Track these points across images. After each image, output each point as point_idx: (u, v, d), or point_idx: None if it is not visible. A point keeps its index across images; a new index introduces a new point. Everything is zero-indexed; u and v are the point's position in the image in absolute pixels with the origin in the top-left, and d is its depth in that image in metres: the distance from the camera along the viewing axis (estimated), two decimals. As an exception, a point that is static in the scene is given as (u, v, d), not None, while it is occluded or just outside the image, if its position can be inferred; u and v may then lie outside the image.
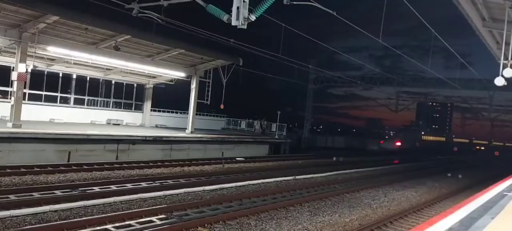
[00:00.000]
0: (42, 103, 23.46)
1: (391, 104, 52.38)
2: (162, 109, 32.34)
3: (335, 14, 13.30)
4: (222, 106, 29.10)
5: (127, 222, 9.38)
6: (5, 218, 8.93)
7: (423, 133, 70.25)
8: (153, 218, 9.88)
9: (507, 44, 11.56)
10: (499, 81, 11.20)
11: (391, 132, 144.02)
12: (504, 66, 11.17)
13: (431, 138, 71.91)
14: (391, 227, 11.65)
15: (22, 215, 9.22)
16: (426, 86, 45.51)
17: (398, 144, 55.04)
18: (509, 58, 11.34)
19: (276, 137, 32.83)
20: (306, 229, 10.49)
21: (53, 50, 18.43)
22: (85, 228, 8.79)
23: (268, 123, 35.25)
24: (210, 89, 26.96)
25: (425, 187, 20.11)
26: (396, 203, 15.37)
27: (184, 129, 26.12)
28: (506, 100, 56.36)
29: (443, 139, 79.45)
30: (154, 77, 27.54)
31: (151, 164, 18.54)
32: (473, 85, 39.91)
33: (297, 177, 18.83)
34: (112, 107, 27.85)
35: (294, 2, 11.31)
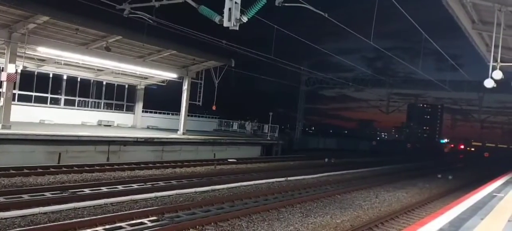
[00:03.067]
0: (32, 104, 23.22)
1: (382, 105, 52.66)
2: (153, 111, 32.21)
3: (326, 16, 13.36)
4: (214, 108, 29.05)
5: (117, 224, 9.32)
6: (-7, 220, 8.82)
7: (472, 140, 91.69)
8: (144, 220, 9.83)
9: (496, 46, 11.69)
10: (489, 83, 11.32)
11: (383, 133, 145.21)
12: (494, 69, 11.29)
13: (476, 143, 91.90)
14: (382, 228, 11.70)
15: (11, 217, 9.11)
16: (417, 88, 45.82)
17: (462, 146, 78.35)
18: (499, 61, 11.48)
19: (268, 138, 32.85)
20: (297, 231, 10.51)
21: (43, 50, 18.28)
22: (75, 230, 8.71)
23: (259, 124, 35.22)
24: (202, 90, 26.89)
25: (416, 188, 20.24)
26: (387, 204, 15.44)
27: (176, 130, 26.02)
28: (495, 102, 56.99)
29: (480, 143, 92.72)
30: (145, 78, 27.42)
31: (142, 165, 18.45)
32: (463, 87, 40.26)
33: (288, 178, 18.85)
34: (103, 108, 27.67)
35: (286, 4, 11.33)
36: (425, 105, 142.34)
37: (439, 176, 26.19)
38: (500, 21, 11.03)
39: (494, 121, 67.02)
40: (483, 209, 9.39)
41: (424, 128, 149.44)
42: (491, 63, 11.47)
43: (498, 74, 11.15)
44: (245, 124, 35.31)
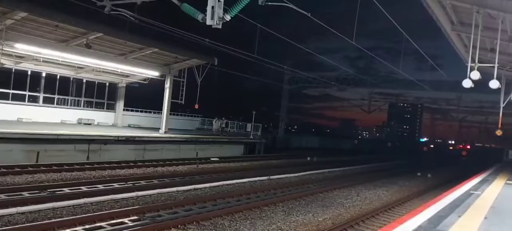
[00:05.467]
0: (9, 102, 22.70)
1: (364, 105, 53.34)
2: (135, 109, 31.85)
3: (309, 15, 13.45)
4: (196, 106, 28.89)
5: (98, 224, 9.19)
6: (-32, 221, 8.60)
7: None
8: (125, 220, 9.72)
9: (474, 47, 11.96)
10: (467, 84, 11.59)
11: (365, 132, 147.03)
12: (472, 69, 11.55)
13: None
14: (363, 226, 11.83)
15: (-13, 218, 8.89)
16: (398, 88, 46.52)
17: (468, 146, 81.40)
18: (476, 61, 11.74)
19: (251, 137, 32.84)
20: (280, 229, 10.53)
21: (21, 47, 17.88)
22: (54, 230, 8.56)
23: (228, 121, 34.81)
24: (184, 88, 26.72)
25: (396, 186, 20.54)
26: (368, 202, 15.63)
27: (157, 129, 25.80)
28: (473, 101, 58.25)
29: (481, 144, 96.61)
30: (127, 76, 27.09)
31: (123, 164, 18.23)
32: (442, 87, 41.02)
33: (271, 177, 18.90)
34: (83, 106, 27.23)
35: (269, 3, 11.35)
36: (405, 105, 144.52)
37: (419, 174, 26.62)
38: (478, 22, 11.29)
39: (472, 120, 68.66)
40: (461, 206, 9.59)
41: (404, 126, 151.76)
42: (469, 64, 11.74)
43: (475, 75, 11.42)
44: (213, 122, 34.20)
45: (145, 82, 27.56)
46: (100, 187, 13.15)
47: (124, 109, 29.05)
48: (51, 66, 23.01)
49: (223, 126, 32.74)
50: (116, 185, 13.61)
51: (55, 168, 15.70)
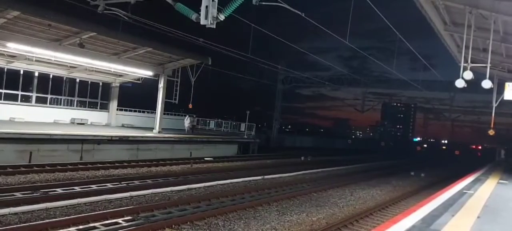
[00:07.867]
0: (1, 101, 22.51)
1: (357, 104, 53.56)
2: (129, 109, 31.71)
3: (303, 15, 13.47)
4: (190, 106, 28.84)
5: (91, 224, 9.15)
6: (-40, 222, 8.52)
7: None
8: (119, 220, 9.68)
9: (467, 48, 12.04)
10: (460, 84, 11.68)
11: (358, 132, 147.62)
12: (464, 69, 11.64)
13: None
14: (357, 226, 11.87)
15: (-21, 219, 8.82)
16: (391, 87, 46.67)
17: (480, 147, 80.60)
18: (469, 61, 11.83)
19: (245, 136, 32.83)
20: (274, 229, 10.54)
21: (13, 46, 17.74)
22: (47, 231, 8.51)
23: (199, 119, 34.37)
24: (178, 88, 26.65)
25: (389, 185, 20.62)
26: (362, 201, 15.68)
27: (151, 129, 25.71)
28: (466, 101, 58.62)
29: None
30: (120, 75, 26.97)
31: (117, 164, 18.15)
32: (435, 86, 41.24)
33: (265, 176, 18.90)
34: (76, 106, 27.07)
35: (263, 3, 11.36)
36: (398, 104, 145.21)
37: (412, 173, 26.77)
38: (471, 23, 11.37)
39: (464, 119, 69.14)
40: (454, 206, 9.66)
41: (398, 126, 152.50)
42: (462, 64, 11.83)
43: (468, 75, 11.51)
44: (184, 119, 32.47)
45: (139, 82, 27.46)
46: (94, 187, 13.09)
47: (117, 109, 28.94)
48: (44, 65, 22.86)
49: (194, 123, 31.54)
50: (109, 185, 13.55)
51: (48, 168, 15.60)
